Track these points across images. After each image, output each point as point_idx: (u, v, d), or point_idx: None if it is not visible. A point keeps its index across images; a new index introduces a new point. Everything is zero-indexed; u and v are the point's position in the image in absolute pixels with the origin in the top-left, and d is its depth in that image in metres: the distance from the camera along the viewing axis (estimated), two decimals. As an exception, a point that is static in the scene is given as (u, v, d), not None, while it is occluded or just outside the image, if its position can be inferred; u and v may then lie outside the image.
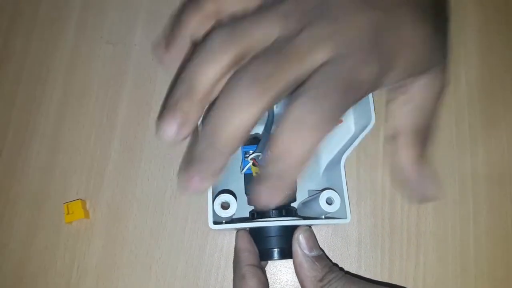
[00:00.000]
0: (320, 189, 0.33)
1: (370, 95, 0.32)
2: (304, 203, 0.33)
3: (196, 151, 0.25)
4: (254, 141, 0.32)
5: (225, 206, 0.29)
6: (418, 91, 0.27)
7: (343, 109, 0.21)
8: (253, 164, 0.31)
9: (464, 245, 0.35)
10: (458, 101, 0.38)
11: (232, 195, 0.29)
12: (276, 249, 0.31)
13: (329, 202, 0.29)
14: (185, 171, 0.24)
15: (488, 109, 0.38)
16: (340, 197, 0.30)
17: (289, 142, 0.20)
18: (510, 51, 0.39)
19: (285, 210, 0.31)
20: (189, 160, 0.24)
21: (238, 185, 0.33)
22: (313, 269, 0.30)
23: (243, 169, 0.31)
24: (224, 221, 0.30)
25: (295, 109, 0.20)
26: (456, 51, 0.39)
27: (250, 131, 0.23)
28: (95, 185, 0.36)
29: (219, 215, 0.29)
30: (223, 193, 0.29)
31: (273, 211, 0.31)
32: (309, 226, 0.31)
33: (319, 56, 0.22)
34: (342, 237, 0.35)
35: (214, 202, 0.29)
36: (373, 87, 0.23)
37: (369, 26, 0.22)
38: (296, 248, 0.30)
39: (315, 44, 0.22)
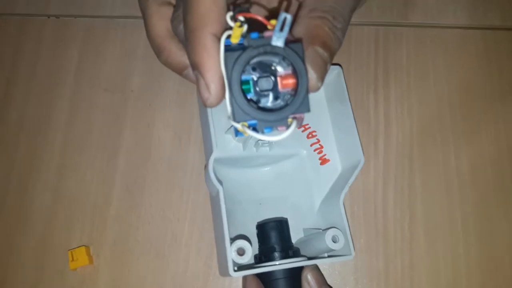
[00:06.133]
0: (316, 227, 0.35)
1: (356, 132, 0.33)
2: (303, 242, 0.34)
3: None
4: None
5: (240, 252, 0.29)
6: None
7: None
8: None
9: (456, 276, 0.36)
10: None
11: (247, 241, 0.29)
12: None
13: (334, 240, 0.31)
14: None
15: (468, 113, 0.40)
16: (343, 235, 0.31)
17: None
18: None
19: (292, 251, 0.32)
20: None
21: (250, 231, 0.34)
22: None
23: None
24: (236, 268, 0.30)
25: None
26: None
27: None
28: (98, 230, 0.37)
29: (235, 261, 0.29)
30: (237, 239, 0.30)
31: (280, 253, 0.32)
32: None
33: None
34: (339, 273, 0.36)
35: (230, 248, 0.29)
36: None
37: None
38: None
39: None
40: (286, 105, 0.21)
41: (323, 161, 0.36)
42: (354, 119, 0.34)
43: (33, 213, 0.38)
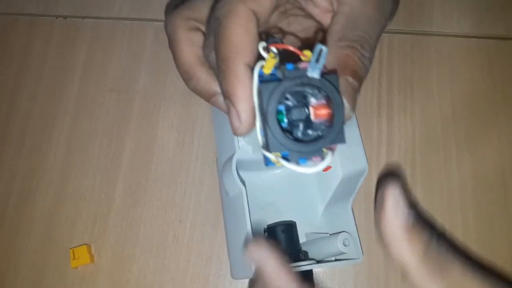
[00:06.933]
0: (319, 232, 0.35)
1: (360, 141, 0.34)
2: (311, 245, 0.34)
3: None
4: None
5: None
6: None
7: None
8: None
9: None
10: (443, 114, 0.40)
11: None
12: None
13: (345, 244, 0.31)
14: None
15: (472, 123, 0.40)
16: (353, 238, 0.32)
17: None
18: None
19: (302, 254, 0.32)
20: None
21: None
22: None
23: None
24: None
25: None
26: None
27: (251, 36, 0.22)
28: (99, 229, 0.38)
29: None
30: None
31: (290, 256, 0.32)
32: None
33: None
34: (340, 276, 0.37)
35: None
36: None
37: None
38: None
39: None
40: (321, 135, 0.21)
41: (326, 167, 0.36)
42: (359, 129, 0.34)
43: (36, 210, 0.38)
